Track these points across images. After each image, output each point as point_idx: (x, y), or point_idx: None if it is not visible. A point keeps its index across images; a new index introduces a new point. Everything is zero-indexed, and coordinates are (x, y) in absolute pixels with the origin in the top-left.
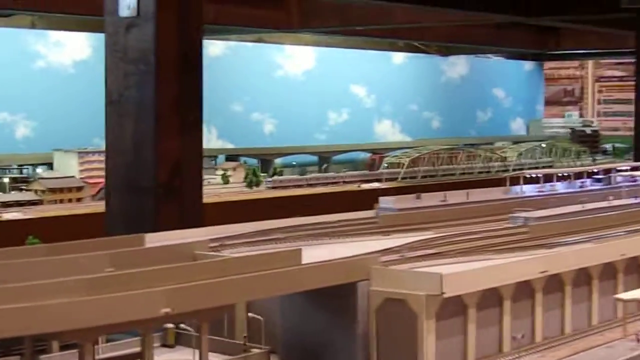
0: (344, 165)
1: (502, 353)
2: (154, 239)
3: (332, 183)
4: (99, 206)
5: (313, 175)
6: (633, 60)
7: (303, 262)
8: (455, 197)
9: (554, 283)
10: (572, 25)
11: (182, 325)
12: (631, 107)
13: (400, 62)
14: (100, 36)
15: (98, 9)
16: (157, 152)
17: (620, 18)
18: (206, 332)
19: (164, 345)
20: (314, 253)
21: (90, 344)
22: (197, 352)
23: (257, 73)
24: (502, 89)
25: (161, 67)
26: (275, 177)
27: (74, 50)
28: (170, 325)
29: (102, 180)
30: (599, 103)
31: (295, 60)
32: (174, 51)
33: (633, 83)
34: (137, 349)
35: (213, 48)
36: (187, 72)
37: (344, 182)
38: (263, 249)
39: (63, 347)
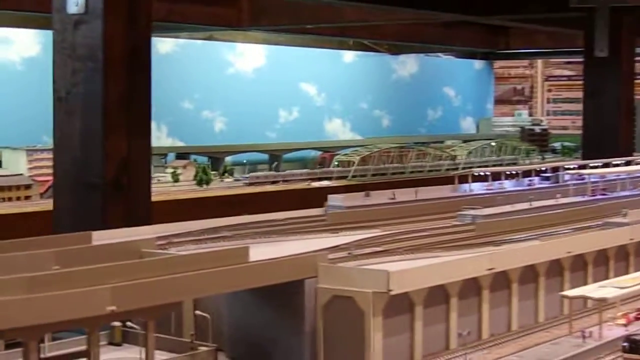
0: (294, 164)
1: (448, 350)
2: (101, 237)
3: (308, 179)
4: (48, 204)
5: (288, 172)
6: (582, 60)
7: (250, 259)
8: (404, 195)
9: (500, 280)
10: (521, 25)
11: (129, 324)
12: (580, 106)
13: (351, 61)
14: (49, 33)
15: (46, 6)
16: (104, 149)
17: (570, 17)
18: (152, 330)
19: (111, 344)
20: (262, 251)
21: (34, 342)
22: (144, 350)
23: (208, 71)
24: (452, 87)
25: (109, 64)
26: (252, 174)
27: (23, 47)
28: (118, 324)
29: (51, 178)
30: (548, 102)
31: (246, 58)
32: (123, 48)
33: (581, 82)
34: (84, 347)
35: (163, 45)
36: (136, 70)
37: (320, 178)
38: (210, 247)
39: (8, 346)
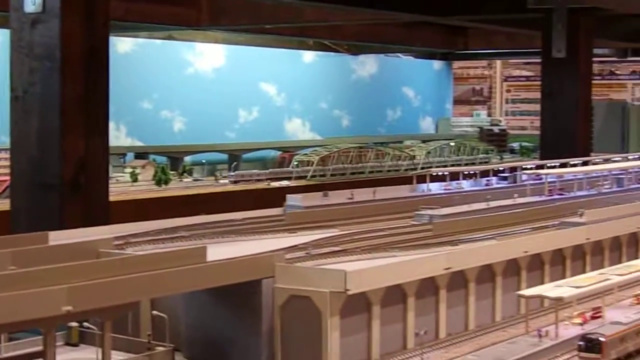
0: (254, 164)
1: (406, 350)
2: (58, 237)
3: (290, 177)
4: (5, 204)
5: (272, 170)
6: (539, 60)
7: (208, 259)
8: (362, 194)
9: (458, 280)
10: (480, 25)
11: (86, 324)
12: (538, 107)
13: (310, 61)
14: (6, 32)
15: (4, 4)
16: (62, 149)
17: (528, 18)
18: (109, 331)
19: (67, 344)
20: (219, 251)
21: None
22: (100, 350)
23: (167, 70)
24: (411, 87)
25: (67, 64)
26: (237, 172)
27: None
28: (74, 324)
29: (8, 178)
30: (507, 102)
31: (205, 58)
32: (80, 47)
33: (539, 83)
34: (40, 348)
35: (122, 45)
36: (94, 69)
37: (299, 177)
38: (168, 247)
39: None
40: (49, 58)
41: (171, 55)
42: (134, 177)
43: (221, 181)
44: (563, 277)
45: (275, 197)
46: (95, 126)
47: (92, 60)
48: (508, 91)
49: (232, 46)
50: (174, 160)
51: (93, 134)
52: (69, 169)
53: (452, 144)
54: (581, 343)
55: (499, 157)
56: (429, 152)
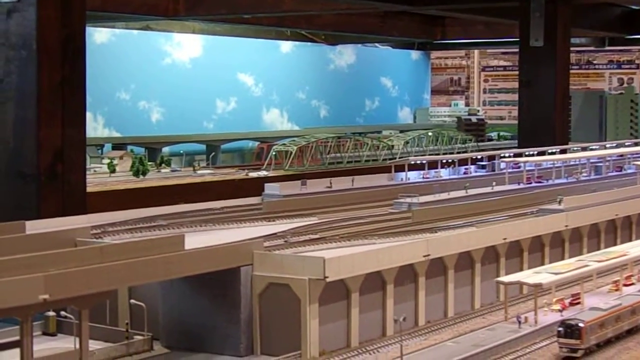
0: (232, 154)
1: (385, 337)
2: (36, 226)
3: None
4: None
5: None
6: (517, 50)
7: (186, 248)
8: (341, 183)
9: (437, 267)
10: (458, 15)
11: (63, 313)
12: (516, 97)
13: (288, 51)
14: None
15: None
16: (38, 138)
17: (505, 7)
18: (86, 319)
19: (45, 334)
20: (198, 239)
21: None
22: (78, 339)
23: (144, 61)
24: (389, 77)
25: (43, 53)
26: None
27: None
28: (52, 313)
29: None
30: (485, 92)
31: (183, 49)
32: (57, 37)
33: (517, 73)
34: (17, 338)
35: (99, 35)
36: (70, 59)
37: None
38: (146, 236)
39: None
40: (25, 47)
41: (148, 45)
42: (112, 168)
43: (199, 172)
44: (542, 264)
45: (254, 187)
46: (72, 116)
47: (68, 50)
48: (486, 81)
49: (210, 36)
50: (152, 151)
51: (70, 123)
52: (46, 159)
53: (430, 133)
54: (560, 329)
55: (477, 147)
56: (407, 142)
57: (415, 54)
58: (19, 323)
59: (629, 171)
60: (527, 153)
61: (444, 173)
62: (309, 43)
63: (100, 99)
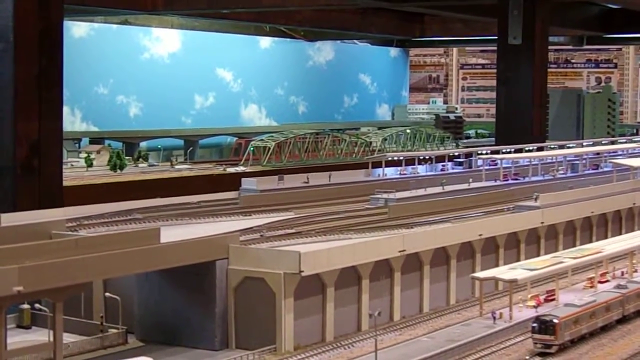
0: (210, 149)
1: (360, 331)
2: (11, 219)
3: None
4: None
5: None
6: (495, 49)
7: (161, 241)
8: (318, 179)
9: (412, 262)
10: (436, 12)
11: (38, 306)
12: (494, 95)
13: (267, 47)
14: None
15: None
16: (15, 132)
17: (484, 5)
18: (61, 312)
19: (19, 326)
20: (174, 233)
21: None
22: (52, 332)
23: (123, 55)
24: (368, 74)
25: (20, 46)
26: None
27: None
28: (26, 306)
29: None
30: (463, 90)
31: (162, 43)
32: (34, 30)
33: (495, 71)
34: None
35: (78, 29)
36: (48, 52)
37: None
38: (121, 229)
39: None
40: (2, 40)
41: (127, 40)
42: (89, 162)
43: (177, 166)
44: (517, 260)
45: (232, 183)
46: (49, 109)
47: (46, 43)
48: (464, 79)
49: (188, 31)
50: (130, 145)
51: (47, 116)
52: (22, 152)
53: (408, 131)
54: (535, 325)
55: (454, 144)
56: (385, 139)
57: (394, 51)
58: None
59: (605, 169)
60: (504, 150)
61: (421, 169)
62: (288, 39)
63: (78, 93)
